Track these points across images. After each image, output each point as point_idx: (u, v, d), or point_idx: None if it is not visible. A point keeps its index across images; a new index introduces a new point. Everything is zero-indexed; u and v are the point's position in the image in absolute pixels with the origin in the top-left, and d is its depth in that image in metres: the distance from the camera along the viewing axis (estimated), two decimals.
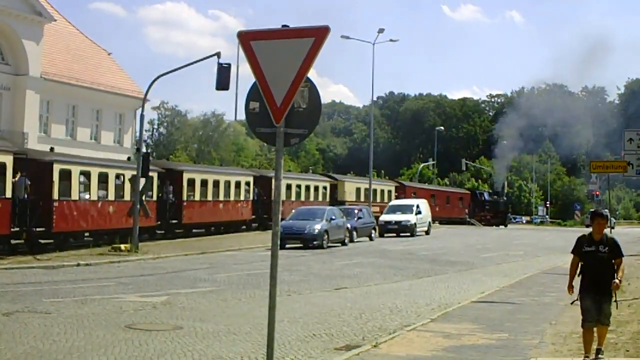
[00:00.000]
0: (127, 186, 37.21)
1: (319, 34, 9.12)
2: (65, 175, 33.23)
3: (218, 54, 33.89)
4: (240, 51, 66.22)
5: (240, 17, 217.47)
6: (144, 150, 36.32)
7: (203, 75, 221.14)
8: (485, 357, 12.19)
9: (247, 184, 50.57)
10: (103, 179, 35.98)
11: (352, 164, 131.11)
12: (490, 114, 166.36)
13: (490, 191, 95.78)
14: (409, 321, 15.87)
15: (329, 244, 39.10)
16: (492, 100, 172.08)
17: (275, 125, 9.37)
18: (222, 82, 32.77)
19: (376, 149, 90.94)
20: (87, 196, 34.84)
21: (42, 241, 32.06)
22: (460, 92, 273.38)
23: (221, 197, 47.29)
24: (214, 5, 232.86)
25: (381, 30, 61.70)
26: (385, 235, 50.86)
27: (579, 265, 11.66)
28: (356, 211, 46.67)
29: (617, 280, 11.30)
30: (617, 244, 11.56)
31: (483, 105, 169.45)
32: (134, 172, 35.23)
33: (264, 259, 28.69)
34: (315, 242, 38.09)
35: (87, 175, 34.90)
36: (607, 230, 11.85)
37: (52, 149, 37.24)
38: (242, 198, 49.63)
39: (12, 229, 29.55)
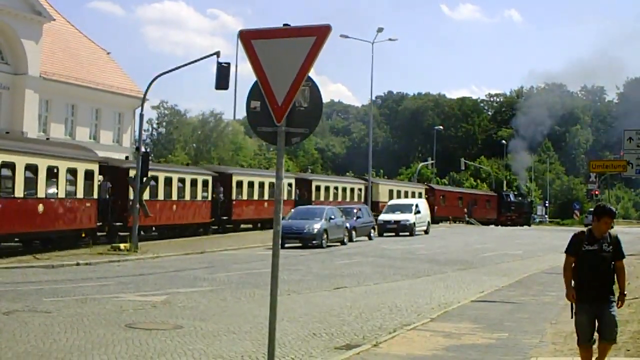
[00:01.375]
0: (195, 188, 45.09)
1: (320, 33, 9.11)
2: (156, 181, 40.59)
3: (217, 53, 33.87)
4: (239, 50, 66.24)
5: (239, 16, 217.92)
6: (143, 149, 36.28)
7: (202, 74, 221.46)
8: (486, 357, 12.19)
9: (290, 185, 56.09)
10: (168, 182, 42.68)
11: (350, 163, 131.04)
12: (490, 113, 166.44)
13: (516, 193, 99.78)
14: (409, 320, 15.87)
15: (328, 244, 39.10)
16: (491, 99, 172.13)
17: (277, 124, 9.37)
18: (222, 81, 32.76)
19: (375, 148, 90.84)
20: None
21: (121, 234, 37.46)
22: (459, 91, 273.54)
23: (266, 197, 52.13)
24: (212, 4, 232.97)
25: (380, 30, 61.90)
26: (385, 234, 50.87)
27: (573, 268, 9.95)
28: (355, 211, 46.65)
29: (624, 292, 9.78)
30: (619, 242, 9.97)
31: (482, 104, 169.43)
32: (198, 177, 45.24)
33: (263, 259, 28.70)
34: (314, 242, 38.10)
35: (155, 179, 40.95)
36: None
37: (127, 158, 45.24)
38: (285, 197, 52.33)
39: (97, 223, 35.86)
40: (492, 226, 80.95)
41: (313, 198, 58.62)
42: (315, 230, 38.36)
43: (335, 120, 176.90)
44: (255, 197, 51.38)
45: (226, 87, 32.93)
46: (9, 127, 46.87)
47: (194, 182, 45.09)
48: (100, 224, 36.53)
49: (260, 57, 9.40)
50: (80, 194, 34.12)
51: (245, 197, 50.48)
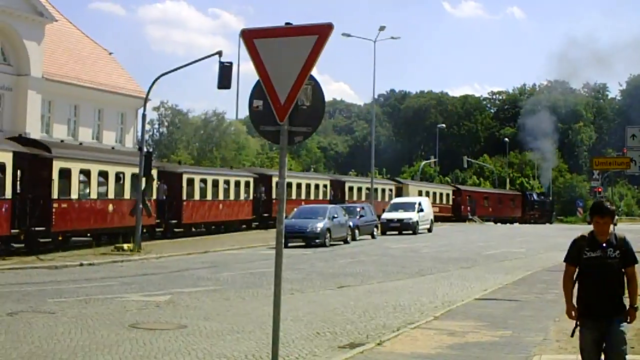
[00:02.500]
0: (238, 188, 50.53)
1: (322, 32, 9.10)
2: (190, 182, 45.26)
3: (220, 53, 33.86)
4: (241, 49, 66.35)
5: (241, 15, 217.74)
6: (145, 150, 36.30)
7: (204, 73, 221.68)
8: (489, 355, 12.18)
9: (325, 186, 62.08)
10: (215, 184, 48.09)
11: (353, 162, 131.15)
12: (492, 111, 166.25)
13: (538, 192, 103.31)
14: (412, 319, 15.86)
15: (332, 242, 39.12)
16: (494, 97, 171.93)
17: (279, 123, 9.37)
18: (224, 81, 32.76)
19: (378, 147, 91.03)
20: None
21: (176, 230, 44.21)
22: (461, 89, 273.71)
23: (303, 197, 57.50)
24: (213, 3, 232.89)
25: (382, 28, 61.69)
26: (388, 233, 50.86)
27: (575, 278, 8.44)
28: (358, 209, 46.65)
29: (635, 305, 8.21)
30: (629, 245, 8.31)
31: (485, 102, 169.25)
32: (241, 179, 50.87)
33: (267, 258, 28.71)
34: (317, 241, 38.10)
35: (203, 181, 46.93)
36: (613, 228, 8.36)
37: (180, 162, 51.81)
38: (320, 197, 60.00)
39: (155, 221, 41.15)
40: (517, 224, 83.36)
41: (346, 198, 62.46)
42: (319, 229, 38.36)
43: (338, 118, 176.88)
44: (293, 196, 55.77)
45: (228, 86, 32.95)
46: (12, 128, 46.93)
47: (237, 184, 50.42)
48: (159, 221, 41.72)
49: (263, 56, 9.39)
50: None
51: (287, 195, 52.17)
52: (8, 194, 29.27)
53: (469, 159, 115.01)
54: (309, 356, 12.32)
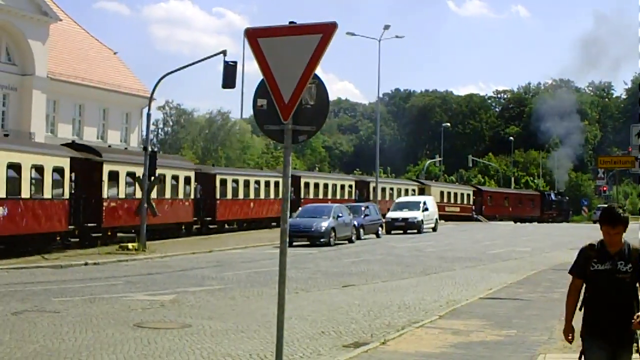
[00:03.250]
0: (269, 188, 53.68)
1: (326, 31, 9.09)
2: (223, 182, 48.75)
3: (224, 52, 33.84)
4: (246, 48, 66.27)
5: (245, 15, 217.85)
6: (150, 149, 36.32)
7: (208, 73, 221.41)
8: (494, 354, 12.17)
9: (350, 186, 65.85)
10: (247, 184, 51.42)
11: (358, 161, 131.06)
12: (497, 110, 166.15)
13: (556, 192, 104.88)
14: (417, 318, 15.86)
15: (336, 242, 39.12)
16: (499, 96, 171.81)
17: (283, 122, 9.36)
18: (229, 80, 32.74)
19: (382, 146, 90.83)
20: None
21: (210, 226, 47.65)
22: (466, 88, 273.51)
23: (329, 196, 60.48)
24: (218, 2, 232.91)
25: (387, 27, 61.65)
26: (392, 232, 50.84)
27: (581, 293, 7.31)
28: (363, 208, 46.63)
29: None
30: None
31: (489, 101, 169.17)
32: (271, 179, 54.14)
33: (271, 257, 28.71)
34: (322, 240, 38.11)
35: (235, 181, 50.53)
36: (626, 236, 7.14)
37: (213, 164, 57.50)
38: (346, 197, 62.96)
39: (193, 218, 45.05)
40: (535, 223, 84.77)
41: (371, 198, 63.99)
42: (323, 229, 38.36)
43: (343, 117, 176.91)
44: (320, 196, 59.40)
45: (233, 85, 32.91)
46: (17, 128, 47.01)
47: (267, 184, 53.72)
48: (196, 218, 45.46)
49: (267, 55, 9.38)
50: (181, 195, 43.32)
51: (311, 196, 58.49)
52: (66, 194, 33.10)
53: (474, 158, 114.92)
54: (313, 355, 12.32)
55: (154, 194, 37.18)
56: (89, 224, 34.64)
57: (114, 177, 36.93)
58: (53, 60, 50.96)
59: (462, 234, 52.04)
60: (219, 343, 12.96)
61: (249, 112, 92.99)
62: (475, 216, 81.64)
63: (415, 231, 51.32)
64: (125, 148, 47.11)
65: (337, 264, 29.03)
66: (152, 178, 35.18)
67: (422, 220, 52.13)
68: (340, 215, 40.33)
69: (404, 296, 19.52)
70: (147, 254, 31.82)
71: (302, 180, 58.57)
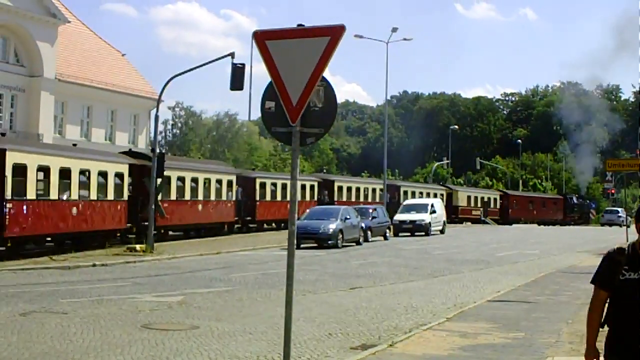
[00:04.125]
0: (304, 191, 56.89)
1: (334, 33, 9.09)
2: (262, 185, 52.74)
3: (232, 54, 33.89)
4: (254, 50, 66.53)
5: (253, 17, 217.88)
6: (158, 150, 36.38)
7: (216, 74, 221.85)
8: (502, 356, 12.15)
9: (382, 190, 66.28)
10: (284, 187, 53.70)
11: (366, 163, 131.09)
12: (505, 112, 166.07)
13: (577, 195, 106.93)
14: (424, 320, 15.85)
15: (344, 244, 39.09)
16: (507, 98, 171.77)
17: (291, 124, 9.37)
18: (237, 82, 32.74)
19: (390, 148, 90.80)
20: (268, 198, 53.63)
21: (250, 225, 52.03)
22: (474, 90, 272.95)
23: (361, 199, 63.64)
24: (225, 4, 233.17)
25: (395, 29, 61.62)
26: (400, 234, 50.81)
27: (605, 306, 5.94)
28: (370, 210, 46.61)
29: None
30: None
31: (497, 103, 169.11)
32: (306, 182, 58.21)
33: (279, 259, 28.72)
34: (330, 242, 38.08)
35: (274, 184, 54.28)
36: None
37: (254, 169, 61.49)
38: (377, 200, 65.00)
39: (235, 217, 49.36)
40: (558, 226, 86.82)
41: (401, 201, 65.55)
42: (331, 231, 38.34)
43: (351, 120, 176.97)
44: (353, 199, 62.07)
45: (241, 87, 32.90)
46: (25, 129, 47.13)
47: (303, 187, 56.89)
48: (237, 218, 49.59)
49: (275, 57, 9.39)
50: (224, 197, 47.29)
51: (344, 198, 61.65)
52: (125, 196, 37.40)
53: (482, 161, 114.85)
54: (321, 357, 12.32)
55: (200, 196, 44.12)
56: (144, 223, 37.14)
57: (166, 181, 39.90)
58: (61, 61, 51.10)
59: (470, 237, 51.99)
60: (226, 345, 12.97)
61: (256, 113, 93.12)
62: (483, 219, 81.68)
63: (423, 233, 51.29)
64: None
65: (345, 266, 29.03)
66: (159, 180, 35.24)
67: (429, 223, 52.10)
68: (348, 217, 40.31)
69: (412, 298, 19.52)
70: (154, 256, 31.85)
71: (336, 184, 62.88)
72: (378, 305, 18.06)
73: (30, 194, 30.29)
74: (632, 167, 29.70)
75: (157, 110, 37.19)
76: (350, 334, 14.32)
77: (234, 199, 48.63)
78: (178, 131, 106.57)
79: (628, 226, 34.94)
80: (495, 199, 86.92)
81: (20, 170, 29.44)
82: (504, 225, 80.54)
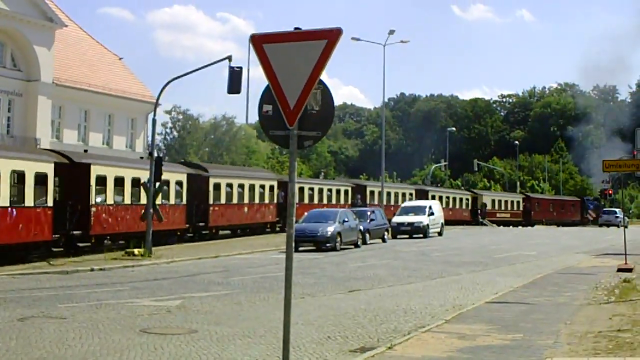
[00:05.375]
0: (339, 195, 62.61)
1: (331, 36, 9.11)
2: (301, 189, 57.08)
3: (229, 58, 33.86)
4: (251, 54, 66.68)
5: (250, 20, 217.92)
6: (156, 154, 36.38)
7: (214, 78, 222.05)
8: (500, 358, 12.15)
9: (411, 194, 72.17)
10: (320, 191, 60.56)
11: (363, 165, 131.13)
12: (502, 114, 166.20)
13: (593, 197, 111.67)
14: (423, 322, 15.84)
15: (342, 246, 39.08)
16: (504, 100, 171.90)
17: (289, 127, 9.38)
18: (234, 85, 32.72)
19: (388, 150, 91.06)
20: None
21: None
22: (471, 92, 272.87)
23: (392, 202, 67.73)
24: (222, 8, 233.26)
25: (392, 32, 61.62)
26: (398, 236, 50.82)
27: None
28: (369, 213, 46.62)
29: None
30: None
31: (494, 105, 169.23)
32: (341, 187, 63.99)
33: (278, 262, 28.72)
34: (328, 245, 38.05)
35: (311, 189, 59.85)
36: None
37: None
38: (394, 204, 68.24)
39: (276, 218, 54.20)
40: (576, 227, 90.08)
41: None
42: (329, 233, 38.32)
43: (348, 122, 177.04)
44: (384, 202, 64.15)
45: (238, 91, 32.88)
46: (22, 134, 47.10)
47: (338, 191, 62.90)
48: (278, 219, 54.01)
49: (272, 61, 9.40)
50: (267, 200, 52.77)
51: (375, 201, 65.83)
52: (184, 201, 43.19)
53: (479, 162, 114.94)
54: None
55: (256, 199, 50.98)
56: (200, 224, 45.15)
57: (217, 187, 47.03)
58: (58, 66, 51.09)
59: (468, 239, 51.99)
60: (225, 349, 12.96)
61: (254, 117, 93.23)
62: (481, 220, 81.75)
63: (421, 236, 51.31)
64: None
65: (343, 268, 29.02)
66: (157, 183, 35.24)
67: (427, 225, 52.14)
68: (346, 220, 40.30)
69: (410, 301, 19.51)
70: (152, 260, 31.81)
71: (368, 189, 67.95)
72: (376, 308, 18.05)
73: (109, 200, 36.58)
74: (630, 168, 29.64)
75: (155, 114, 37.18)
76: (349, 336, 14.31)
77: (275, 201, 53.81)
78: (177, 134, 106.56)
79: (625, 227, 34.96)
80: (518, 202, 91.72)
81: (101, 180, 35.66)
82: (527, 226, 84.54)
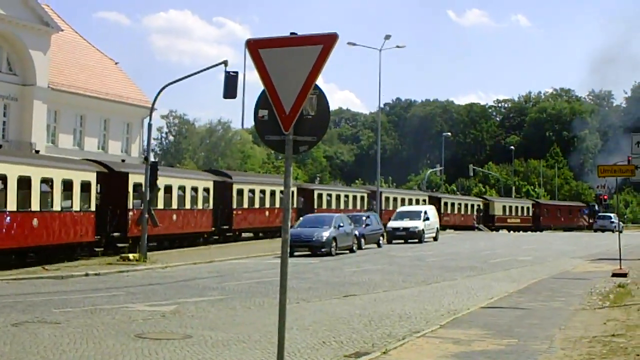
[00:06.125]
0: (355, 201, 65.81)
1: (327, 41, 9.12)
2: (319, 196, 61.69)
3: (225, 62, 33.88)
4: (247, 58, 66.92)
5: (246, 24, 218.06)
6: (152, 159, 36.37)
7: (209, 82, 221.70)
8: None
9: (424, 201, 73.08)
10: (338, 197, 64.22)
11: (359, 170, 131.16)
12: (498, 119, 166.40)
13: (591, 203, 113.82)
14: (418, 327, 15.84)
15: (337, 251, 39.07)
16: (499, 105, 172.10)
17: (284, 132, 9.39)
18: (230, 90, 32.74)
19: (383, 155, 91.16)
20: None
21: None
22: (466, 97, 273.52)
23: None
24: (218, 12, 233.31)
25: (388, 37, 61.72)
26: (393, 241, 50.83)
27: None
28: (364, 218, 46.62)
29: None
30: None
31: (490, 110, 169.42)
32: (357, 194, 67.49)
33: (273, 267, 28.72)
34: (323, 250, 38.03)
35: (329, 195, 63.88)
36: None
37: (314, 181, 70.51)
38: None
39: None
40: (584, 232, 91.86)
41: (442, 211, 72.50)
42: (324, 238, 38.30)
43: (344, 127, 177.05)
44: (398, 207, 65.25)
45: (234, 96, 32.90)
46: (18, 138, 47.05)
47: (354, 197, 66.32)
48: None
49: (268, 66, 9.41)
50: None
51: (391, 207, 66.91)
52: (211, 206, 45.99)
53: (475, 167, 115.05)
54: None
55: (277, 204, 52.64)
56: (224, 227, 48.25)
57: (240, 193, 50.06)
58: (54, 70, 51.05)
59: (464, 244, 52.01)
60: (220, 354, 12.95)
61: (250, 122, 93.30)
62: (476, 225, 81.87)
63: (416, 241, 51.33)
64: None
65: (338, 273, 29.02)
66: (154, 188, 35.25)
67: (423, 230, 52.16)
68: (341, 225, 40.28)
69: (405, 306, 19.51)
70: (147, 265, 31.80)
71: (384, 195, 68.09)
72: (371, 313, 18.05)
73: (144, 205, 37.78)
74: (625, 173, 29.67)
75: (150, 119, 37.16)
76: (344, 342, 14.31)
77: (295, 206, 55.79)
78: (173, 138, 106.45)
79: (620, 232, 34.98)
80: (528, 208, 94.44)
81: (138, 187, 37.84)
82: (536, 232, 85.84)
